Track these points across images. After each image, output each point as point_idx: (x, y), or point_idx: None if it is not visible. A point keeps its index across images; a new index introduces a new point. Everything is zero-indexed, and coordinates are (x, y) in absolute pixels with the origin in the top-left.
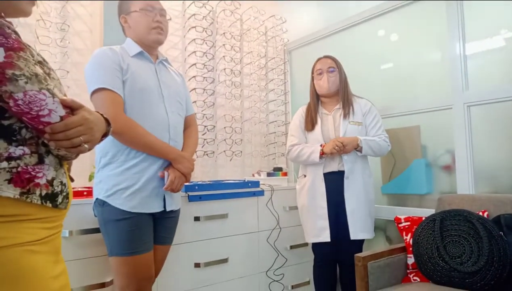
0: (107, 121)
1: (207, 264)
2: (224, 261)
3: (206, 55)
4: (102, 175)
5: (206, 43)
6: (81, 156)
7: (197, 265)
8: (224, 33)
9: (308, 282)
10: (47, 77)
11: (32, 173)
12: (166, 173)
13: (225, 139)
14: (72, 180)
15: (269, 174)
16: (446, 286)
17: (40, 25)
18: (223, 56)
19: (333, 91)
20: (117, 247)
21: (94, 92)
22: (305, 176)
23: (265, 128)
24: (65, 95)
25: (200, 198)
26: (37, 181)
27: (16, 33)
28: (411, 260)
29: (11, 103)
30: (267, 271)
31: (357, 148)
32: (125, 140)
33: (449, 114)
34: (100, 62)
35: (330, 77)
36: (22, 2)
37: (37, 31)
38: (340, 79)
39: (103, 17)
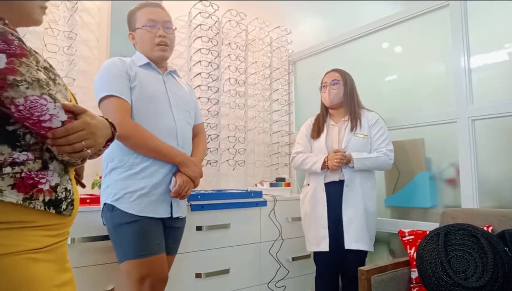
0: (112, 126)
1: (208, 275)
2: (226, 271)
3: (211, 65)
4: (109, 179)
5: (211, 53)
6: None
7: (198, 275)
8: (229, 43)
9: None
10: (51, 83)
11: (36, 179)
12: (173, 178)
13: (228, 149)
14: (83, 186)
15: (272, 184)
16: None
17: (48, 33)
18: (228, 66)
19: (336, 104)
20: (130, 250)
21: (101, 99)
22: (308, 184)
23: (269, 138)
24: (71, 100)
25: (202, 208)
26: (40, 186)
27: (20, 39)
28: (414, 274)
29: (13, 108)
30: (268, 283)
31: (349, 164)
32: (131, 145)
33: (453, 127)
34: (107, 71)
35: (332, 90)
36: (34, 11)
37: (45, 39)
38: (344, 92)
39: (110, 27)
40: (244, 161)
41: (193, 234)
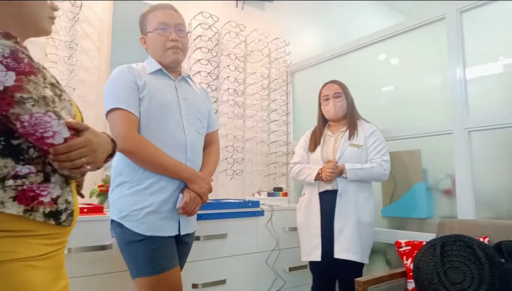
0: (113, 141)
1: (205, 285)
2: (222, 282)
3: (210, 75)
4: (117, 194)
5: (211, 63)
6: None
7: (194, 286)
8: (228, 54)
9: None
10: (56, 100)
11: (37, 191)
12: (180, 195)
13: (226, 158)
14: (82, 196)
15: (269, 194)
16: None
17: (49, 43)
18: (227, 77)
19: (341, 116)
20: (142, 268)
21: (108, 112)
22: (304, 194)
23: (267, 148)
24: (76, 115)
25: (200, 217)
26: (41, 199)
27: (29, 57)
28: (411, 285)
29: (18, 125)
30: None
31: (343, 175)
32: (137, 160)
33: (449, 138)
34: (116, 81)
35: (336, 103)
36: (43, 22)
37: (46, 49)
38: (347, 104)
39: (111, 37)
40: (242, 171)
41: None
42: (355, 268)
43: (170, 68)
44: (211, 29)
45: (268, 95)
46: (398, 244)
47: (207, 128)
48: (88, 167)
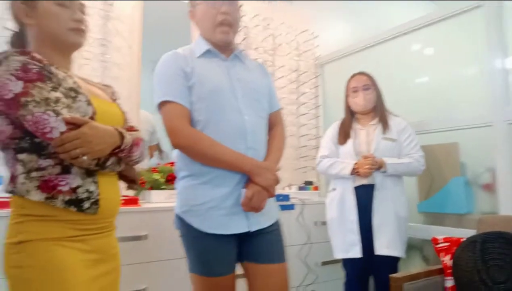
0: (121, 134)
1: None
2: None
3: None
4: (180, 186)
5: None
6: None
7: None
8: (256, 48)
9: None
10: (64, 100)
11: (55, 181)
12: (243, 190)
13: None
14: (133, 188)
15: (300, 188)
16: None
17: None
18: None
19: (370, 108)
20: (194, 266)
21: (159, 106)
22: (334, 189)
23: (297, 142)
24: (93, 114)
25: None
26: (59, 188)
27: (42, 68)
28: (449, 282)
29: (26, 124)
30: (297, 287)
31: (381, 169)
32: (192, 155)
33: (489, 131)
34: (163, 71)
35: (366, 95)
36: (64, 34)
37: None
38: (376, 96)
39: (141, 34)
40: None
41: None
42: (392, 263)
43: (221, 46)
44: None
45: (297, 88)
46: (434, 241)
47: (268, 108)
48: (84, 157)
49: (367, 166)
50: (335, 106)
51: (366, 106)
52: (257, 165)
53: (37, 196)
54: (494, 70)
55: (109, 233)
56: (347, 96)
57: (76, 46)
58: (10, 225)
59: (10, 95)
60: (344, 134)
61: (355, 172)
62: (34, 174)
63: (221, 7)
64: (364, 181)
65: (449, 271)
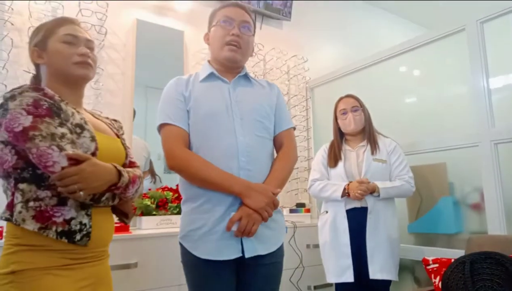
0: (119, 172)
1: None
2: None
3: None
4: (182, 212)
5: None
6: None
7: None
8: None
9: None
10: (69, 136)
11: (50, 212)
12: (232, 214)
13: None
14: (125, 223)
15: (291, 210)
16: None
17: None
18: None
19: (359, 130)
20: None
21: (158, 129)
22: (327, 212)
23: None
24: (96, 149)
25: None
26: (54, 219)
27: (52, 104)
28: None
29: (30, 156)
30: None
31: (374, 193)
32: (185, 177)
33: (476, 151)
34: (164, 96)
35: (355, 116)
36: (69, 68)
37: None
38: (365, 118)
39: (135, 61)
40: None
41: None
42: (386, 286)
43: (227, 67)
44: None
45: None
46: (425, 262)
47: (275, 128)
48: (81, 193)
49: (359, 191)
50: (326, 129)
51: (356, 127)
52: (247, 186)
53: (31, 225)
54: (478, 91)
55: (102, 262)
56: (336, 118)
57: (83, 78)
58: (3, 256)
59: (20, 128)
60: (334, 157)
61: (346, 194)
62: (31, 204)
63: (232, 30)
64: (356, 204)
65: None
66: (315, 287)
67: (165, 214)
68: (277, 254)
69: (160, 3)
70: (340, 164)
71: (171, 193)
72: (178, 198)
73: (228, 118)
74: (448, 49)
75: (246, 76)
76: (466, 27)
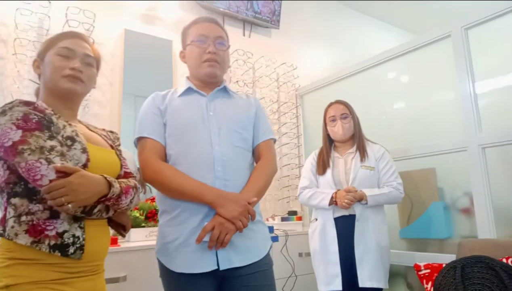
0: (109, 183)
1: None
2: None
3: None
4: (158, 224)
5: None
6: None
7: None
8: (237, 81)
9: None
10: (59, 148)
11: (43, 226)
12: (205, 224)
13: None
14: (123, 235)
15: (283, 219)
16: None
17: None
18: None
19: (348, 137)
20: None
21: (135, 143)
22: (316, 219)
23: (279, 172)
24: (87, 161)
25: None
26: (46, 232)
27: (42, 117)
28: None
29: (20, 170)
30: None
31: (362, 201)
32: (158, 188)
33: (464, 156)
34: (141, 111)
35: (344, 124)
36: (58, 81)
37: None
38: (354, 125)
39: (123, 72)
40: None
41: None
42: None
43: (207, 82)
44: None
45: (278, 119)
46: (417, 267)
47: (254, 138)
48: (69, 205)
49: (346, 200)
50: (316, 135)
51: (345, 134)
52: (219, 195)
53: (24, 239)
54: (464, 96)
55: (97, 276)
56: (325, 125)
57: (69, 92)
58: None
59: (9, 143)
60: (323, 164)
61: (333, 202)
62: (23, 218)
63: (208, 47)
64: (344, 212)
65: None
66: None
67: (154, 226)
68: (259, 264)
69: (148, 13)
70: (329, 171)
71: None
72: None
73: (204, 129)
74: (435, 55)
75: (225, 89)
76: (451, 34)
